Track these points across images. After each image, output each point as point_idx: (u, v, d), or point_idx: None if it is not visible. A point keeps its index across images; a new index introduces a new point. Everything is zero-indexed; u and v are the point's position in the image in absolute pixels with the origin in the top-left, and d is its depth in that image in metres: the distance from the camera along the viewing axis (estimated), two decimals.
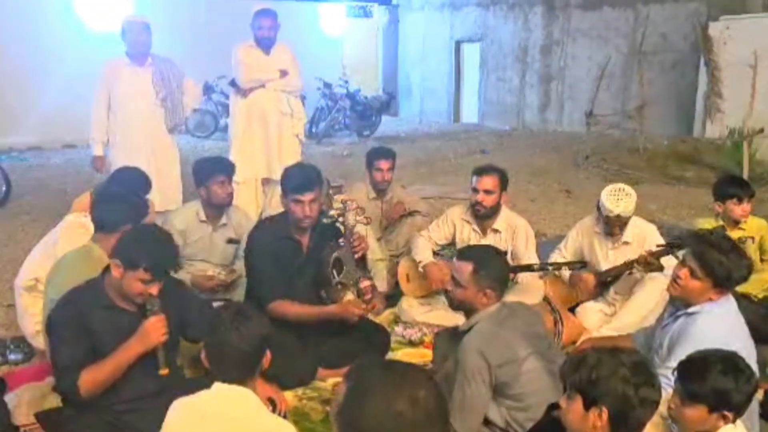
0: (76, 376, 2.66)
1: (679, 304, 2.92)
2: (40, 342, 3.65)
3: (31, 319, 3.72)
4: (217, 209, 4.31)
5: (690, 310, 2.83)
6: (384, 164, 4.94)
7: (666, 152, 10.71)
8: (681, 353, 2.65)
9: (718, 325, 2.74)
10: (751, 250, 4.36)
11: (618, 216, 4.02)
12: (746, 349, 2.69)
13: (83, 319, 2.72)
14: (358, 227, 3.74)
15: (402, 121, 16.42)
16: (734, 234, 4.31)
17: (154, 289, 2.68)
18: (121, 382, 2.76)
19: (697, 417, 2.22)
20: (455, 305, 2.95)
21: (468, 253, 2.98)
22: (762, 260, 4.48)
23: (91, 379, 2.67)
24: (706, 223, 4.43)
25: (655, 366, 2.82)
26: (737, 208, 4.34)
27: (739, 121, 9.61)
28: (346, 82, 13.76)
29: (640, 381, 1.97)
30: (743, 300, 4.10)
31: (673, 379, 2.52)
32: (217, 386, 2.14)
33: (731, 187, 4.46)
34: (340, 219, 3.68)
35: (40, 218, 6.54)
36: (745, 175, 8.32)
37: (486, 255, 2.95)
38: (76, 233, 3.65)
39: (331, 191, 3.93)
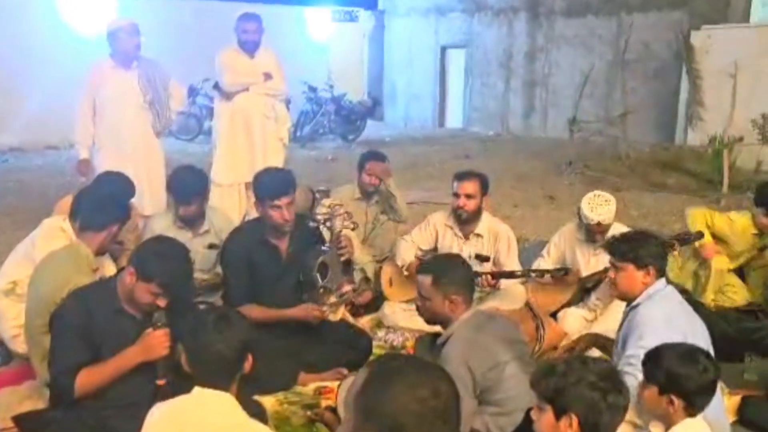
0: (73, 378, 2.68)
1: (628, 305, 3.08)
2: (17, 346, 3.63)
3: (9, 323, 3.67)
4: (187, 222, 4.27)
5: (633, 303, 3.00)
6: (370, 165, 4.91)
7: (648, 159, 10.81)
8: (632, 343, 2.84)
9: (658, 308, 2.91)
10: None
11: (598, 223, 4.06)
12: (692, 328, 2.87)
13: (90, 320, 2.74)
14: (344, 232, 3.74)
15: (387, 125, 16.45)
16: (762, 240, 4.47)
17: (162, 302, 2.71)
18: (115, 386, 2.76)
19: (650, 397, 2.37)
20: (428, 320, 2.96)
21: (426, 265, 3.01)
22: None
23: (87, 380, 2.70)
24: (741, 218, 4.56)
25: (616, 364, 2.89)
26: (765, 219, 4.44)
27: (719, 129, 9.73)
28: (332, 86, 13.76)
29: (607, 387, 2.00)
30: (714, 315, 4.18)
31: (632, 368, 2.65)
32: (197, 391, 2.13)
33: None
34: (327, 224, 3.68)
35: (22, 221, 6.47)
36: (725, 183, 8.44)
37: (443, 263, 3.01)
38: (54, 236, 3.63)
39: (317, 195, 3.92)
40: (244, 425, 2.15)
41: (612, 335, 3.89)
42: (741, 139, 8.77)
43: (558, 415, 2.01)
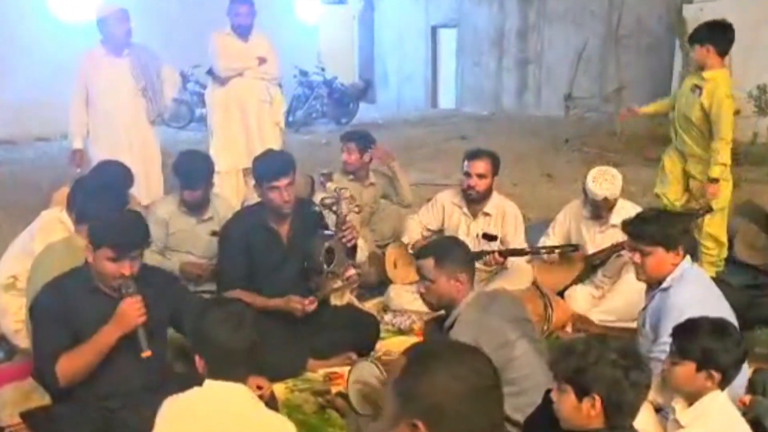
0: (54, 362, 2.60)
1: (653, 287, 3.02)
2: (20, 341, 3.59)
3: (11, 318, 3.63)
4: (192, 207, 4.23)
5: (663, 286, 2.93)
6: (346, 146, 4.85)
7: (644, 134, 10.75)
8: (665, 328, 2.77)
9: (691, 291, 2.86)
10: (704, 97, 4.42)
11: (605, 199, 4.02)
12: (723, 310, 2.81)
13: (68, 305, 2.68)
14: (350, 216, 3.69)
15: (379, 108, 16.33)
16: (691, 80, 4.57)
17: (125, 269, 2.63)
18: (104, 372, 2.69)
19: (685, 374, 2.35)
20: (435, 305, 2.90)
21: (424, 249, 2.99)
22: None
23: (69, 365, 2.60)
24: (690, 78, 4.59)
25: (643, 348, 2.89)
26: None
27: None
28: (323, 69, 13.64)
29: (629, 365, 1.97)
30: (725, 286, 4.15)
31: (665, 355, 2.57)
32: (209, 383, 2.09)
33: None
34: (333, 208, 3.63)
35: (17, 214, 6.36)
36: None
37: (442, 243, 3.03)
38: (52, 228, 3.57)
39: (322, 178, 3.86)
40: (259, 415, 2.11)
41: (618, 313, 3.91)
42: (738, 112, 8.68)
43: (580, 396, 1.98)
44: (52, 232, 3.55)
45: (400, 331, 4.04)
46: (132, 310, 2.61)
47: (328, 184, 3.71)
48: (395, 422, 1.32)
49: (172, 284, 3.09)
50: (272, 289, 3.51)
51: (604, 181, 4.02)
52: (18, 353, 3.68)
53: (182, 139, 10.74)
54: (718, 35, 4.46)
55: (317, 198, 3.78)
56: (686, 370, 2.33)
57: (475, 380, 1.31)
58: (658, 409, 2.64)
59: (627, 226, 3.07)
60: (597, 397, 1.95)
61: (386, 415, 1.35)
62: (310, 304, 3.44)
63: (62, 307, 2.67)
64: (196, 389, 2.08)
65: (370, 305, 4.33)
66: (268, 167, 3.51)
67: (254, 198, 5.15)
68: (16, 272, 3.62)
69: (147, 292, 2.69)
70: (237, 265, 3.53)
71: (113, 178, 3.77)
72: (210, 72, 5.56)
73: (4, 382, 3.31)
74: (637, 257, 2.97)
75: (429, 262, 2.80)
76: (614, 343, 2.05)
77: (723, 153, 4.35)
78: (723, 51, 4.46)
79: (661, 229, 2.90)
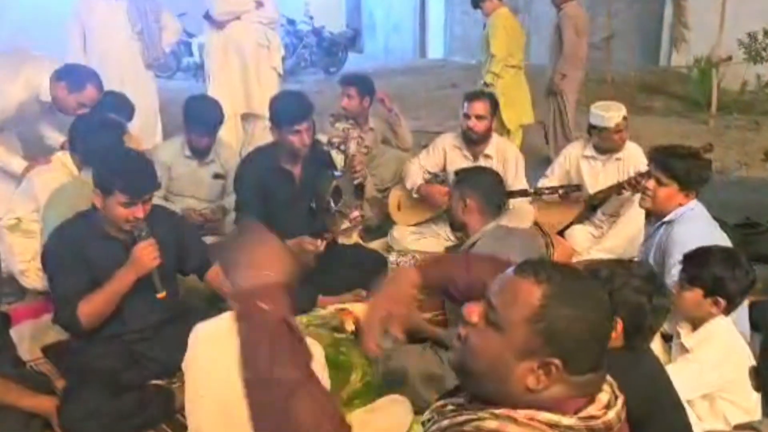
0: (75, 306, 2.64)
1: (654, 219, 3.11)
2: (26, 281, 3.65)
3: (17, 258, 3.67)
4: (196, 152, 4.23)
5: (666, 219, 3.01)
6: (345, 91, 4.81)
7: (633, 83, 10.79)
8: (671, 262, 2.84)
9: (695, 227, 2.94)
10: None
11: (623, 118, 4.07)
12: (724, 243, 2.86)
13: (79, 251, 2.70)
14: (358, 156, 3.72)
15: (367, 57, 16.15)
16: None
17: (138, 212, 2.65)
18: (123, 311, 2.75)
19: (692, 300, 2.43)
20: (450, 220, 3.20)
21: (461, 168, 3.32)
22: None
23: (89, 309, 2.65)
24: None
25: None
26: None
27: (704, 50, 9.69)
28: (312, 18, 13.45)
29: (652, 290, 2.05)
30: (720, 224, 4.24)
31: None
32: None
33: None
34: (341, 147, 3.66)
35: None
36: (714, 104, 8.48)
37: (472, 169, 3.28)
38: (48, 168, 3.62)
39: (331, 119, 3.88)
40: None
41: (619, 250, 4.00)
42: (730, 58, 8.74)
43: None
44: (47, 172, 3.59)
45: None
46: (147, 254, 2.65)
47: (337, 125, 3.73)
48: (521, 358, 1.20)
49: (180, 223, 3.14)
50: (283, 229, 3.53)
51: (612, 108, 4.10)
52: (28, 293, 3.73)
53: (170, 87, 10.56)
54: None
55: (324, 138, 3.80)
56: (694, 296, 2.42)
57: (610, 322, 1.27)
58: (668, 337, 2.73)
59: (655, 152, 3.12)
60: (619, 320, 2.03)
61: (511, 348, 1.21)
62: (321, 245, 3.49)
63: (74, 253, 2.69)
64: (227, 313, 2.13)
65: (373, 246, 4.38)
66: (291, 110, 3.50)
67: (252, 144, 5.18)
68: (20, 214, 3.66)
69: (157, 231, 2.72)
70: (255, 206, 3.53)
71: (112, 108, 3.76)
72: (207, 16, 5.48)
73: (19, 321, 3.36)
74: (650, 183, 3.03)
75: (454, 179, 3.12)
76: (638, 269, 2.13)
77: (495, 64, 6.05)
78: None
79: (685, 168, 2.97)
